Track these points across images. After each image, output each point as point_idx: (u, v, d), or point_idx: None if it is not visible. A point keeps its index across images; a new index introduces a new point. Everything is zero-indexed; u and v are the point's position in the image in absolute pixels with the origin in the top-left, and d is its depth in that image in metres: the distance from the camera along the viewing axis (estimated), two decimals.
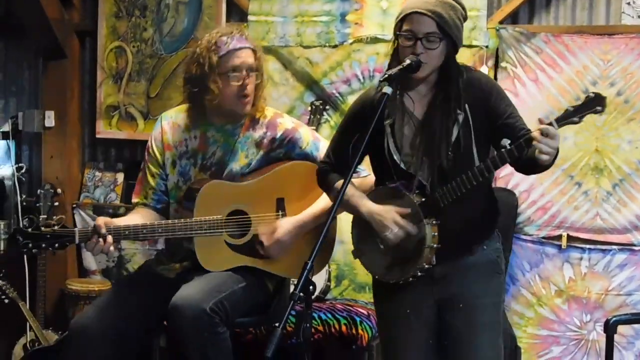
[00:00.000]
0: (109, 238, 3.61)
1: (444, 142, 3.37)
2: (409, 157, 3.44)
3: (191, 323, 3.52)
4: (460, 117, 3.38)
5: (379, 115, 3.24)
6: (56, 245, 3.62)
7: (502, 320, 3.62)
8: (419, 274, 3.42)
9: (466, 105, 3.39)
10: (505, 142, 3.20)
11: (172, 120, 3.98)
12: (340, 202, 3.17)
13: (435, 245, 3.37)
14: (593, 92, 3.12)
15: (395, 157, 3.44)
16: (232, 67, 3.76)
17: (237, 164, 3.89)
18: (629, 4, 5.14)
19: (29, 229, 3.59)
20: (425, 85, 3.48)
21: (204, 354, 3.56)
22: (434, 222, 3.37)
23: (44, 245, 3.61)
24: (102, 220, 3.64)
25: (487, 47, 5.27)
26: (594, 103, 3.11)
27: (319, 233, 3.01)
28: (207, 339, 3.56)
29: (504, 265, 3.63)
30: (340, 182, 3.41)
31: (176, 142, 3.93)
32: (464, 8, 3.47)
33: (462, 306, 3.47)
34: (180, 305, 3.54)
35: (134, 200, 4.01)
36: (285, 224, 3.85)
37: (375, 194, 3.53)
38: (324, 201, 3.88)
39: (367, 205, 3.47)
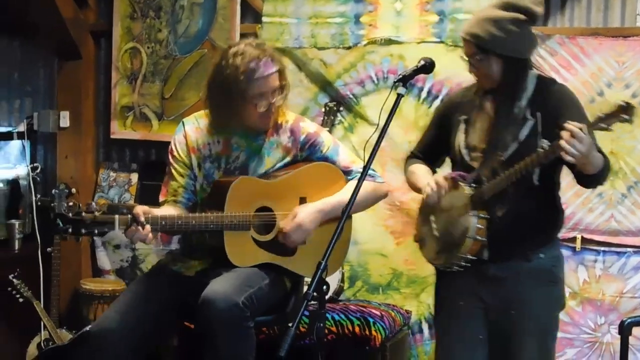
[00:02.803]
0: (148, 226, 3.60)
1: (508, 142, 3.48)
2: (477, 152, 3.57)
3: (224, 316, 3.51)
4: (530, 123, 3.47)
5: (391, 114, 3.29)
6: (95, 231, 3.56)
7: (555, 327, 3.69)
8: (463, 263, 3.54)
9: (538, 114, 3.46)
10: (545, 143, 3.30)
11: (194, 125, 3.98)
12: (352, 205, 3.22)
13: (480, 238, 3.49)
14: (625, 102, 3.13)
15: (463, 151, 3.61)
16: (258, 94, 3.76)
17: (262, 168, 3.91)
18: None
19: (70, 214, 3.55)
20: (498, 91, 3.58)
21: (235, 347, 3.56)
22: (481, 215, 3.49)
23: (83, 231, 3.52)
24: (140, 209, 3.62)
25: None
26: (622, 112, 3.13)
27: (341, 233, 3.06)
28: (239, 332, 3.56)
29: (562, 273, 3.70)
30: (415, 164, 3.89)
31: (200, 146, 3.93)
32: (523, 10, 3.47)
33: (514, 312, 3.56)
34: (213, 298, 3.53)
35: (162, 199, 3.98)
36: (304, 209, 3.86)
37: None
38: (345, 192, 3.90)
39: (422, 182, 3.74)
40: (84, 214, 3.52)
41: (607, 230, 5.15)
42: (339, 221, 3.10)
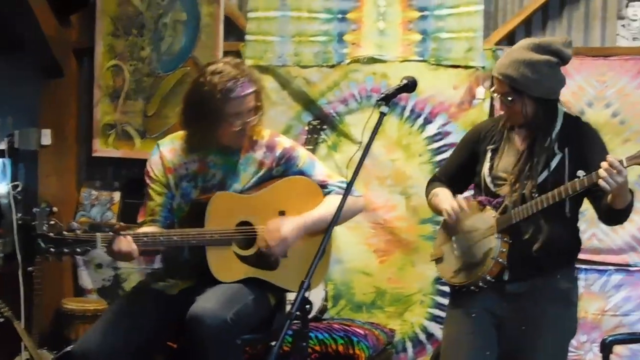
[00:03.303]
0: (129, 238, 3.58)
1: (538, 171, 3.59)
2: (502, 181, 3.68)
3: (213, 333, 3.49)
4: (558, 157, 3.59)
5: (374, 133, 3.30)
6: (78, 250, 3.55)
7: (565, 349, 3.77)
8: (481, 284, 3.64)
9: (565, 149, 3.59)
10: (580, 173, 3.42)
11: (170, 146, 3.98)
12: (335, 223, 3.26)
13: (501, 261, 3.59)
14: None
15: (487, 179, 3.72)
16: (234, 114, 3.77)
17: (239, 185, 3.91)
18: (624, 26, 5.17)
19: (51, 234, 3.53)
20: (529, 127, 3.68)
21: None
22: (505, 239, 3.60)
23: (66, 250, 3.52)
24: (120, 227, 3.62)
25: (483, 67, 5.31)
26: None
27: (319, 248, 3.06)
28: (227, 349, 3.55)
29: (577, 297, 3.78)
30: (437, 188, 3.95)
31: (176, 165, 3.92)
32: (555, 53, 3.59)
33: (526, 329, 3.62)
34: (202, 315, 3.51)
35: (140, 220, 3.98)
36: (287, 222, 3.86)
37: (466, 201, 3.79)
38: (325, 207, 3.90)
39: (444, 203, 3.79)
40: (65, 233, 3.50)
41: (589, 249, 5.15)
42: (322, 240, 3.11)
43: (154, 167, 3.96)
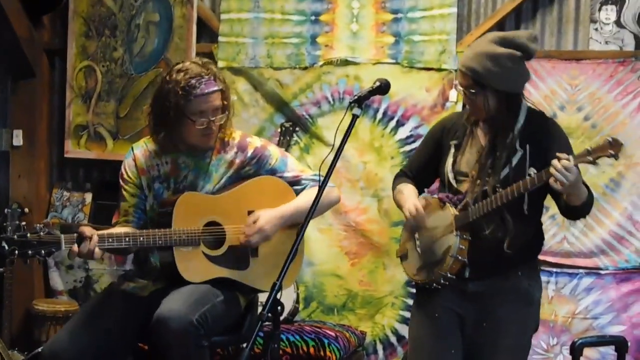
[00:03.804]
0: (95, 237, 3.57)
1: (499, 169, 3.58)
2: (463, 177, 3.68)
3: (178, 335, 3.49)
4: (519, 154, 3.59)
5: (346, 135, 3.30)
6: (42, 252, 3.54)
7: (527, 347, 3.78)
8: (442, 281, 3.65)
9: (527, 145, 3.58)
10: (532, 171, 3.46)
11: (143, 148, 3.97)
12: (313, 213, 3.26)
13: (461, 258, 3.60)
14: (612, 137, 3.28)
15: (449, 175, 3.72)
16: (198, 112, 3.76)
17: (210, 185, 3.91)
18: (596, 29, 5.20)
19: (15, 236, 3.51)
20: (491, 122, 3.67)
21: None
22: (465, 236, 3.60)
23: (30, 252, 3.51)
24: (85, 228, 3.61)
25: (456, 70, 5.31)
26: (609, 147, 3.27)
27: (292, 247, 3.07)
28: (192, 351, 3.54)
29: (539, 295, 3.78)
30: (403, 184, 3.93)
31: (149, 167, 3.92)
32: (519, 47, 3.56)
33: (486, 326, 3.65)
34: (167, 317, 3.50)
35: (114, 221, 3.97)
36: (265, 214, 3.87)
37: (426, 200, 3.83)
38: (301, 199, 3.93)
39: (407, 202, 3.77)
40: (29, 235, 3.50)
41: (559, 252, 5.19)
42: (295, 238, 3.11)
43: (128, 170, 3.96)
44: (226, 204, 3.89)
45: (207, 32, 5.82)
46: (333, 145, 3.30)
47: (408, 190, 3.89)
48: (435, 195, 3.80)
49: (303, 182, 4.00)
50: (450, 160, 3.74)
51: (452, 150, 3.75)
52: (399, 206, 3.89)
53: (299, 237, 3.13)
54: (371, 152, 5.43)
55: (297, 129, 5.55)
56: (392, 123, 5.42)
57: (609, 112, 5.14)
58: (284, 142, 5.33)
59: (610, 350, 4.92)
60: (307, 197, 3.89)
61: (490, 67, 3.52)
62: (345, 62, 5.53)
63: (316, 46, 5.58)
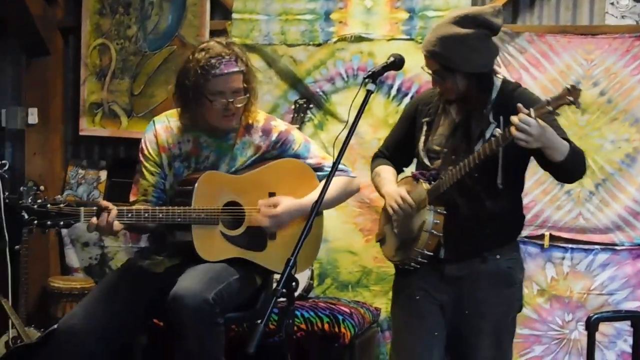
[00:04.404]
0: (114, 211, 3.57)
1: (473, 143, 3.50)
2: (436, 154, 3.62)
3: (193, 312, 3.49)
4: (492, 127, 3.49)
5: (360, 111, 3.28)
6: (61, 223, 3.55)
7: (511, 328, 3.70)
8: (420, 259, 3.58)
9: (501, 117, 3.48)
10: (496, 131, 3.37)
11: (165, 123, 3.96)
12: (321, 202, 3.19)
13: (436, 233, 3.53)
14: (570, 84, 3.17)
15: (421, 153, 3.66)
16: (217, 92, 3.74)
17: (233, 168, 3.89)
18: (612, 4, 5.16)
19: (35, 206, 3.53)
20: (463, 101, 3.59)
21: (203, 344, 3.54)
22: (439, 210, 3.54)
23: (49, 222, 3.51)
24: (104, 202, 3.62)
25: None
26: (568, 94, 3.16)
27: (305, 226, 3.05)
28: (208, 329, 3.55)
29: (521, 275, 3.72)
30: (381, 166, 3.90)
31: (170, 144, 3.91)
32: (483, 24, 3.47)
33: (468, 313, 3.59)
34: (183, 295, 3.51)
35: (132, 199, 3.96)
36: (286, 202, 3.86)
37: (401, 182, 3.81)
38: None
39: (387, 186, 3.77)
40: (49, 205, 3.50)
41: (574, 228, 5.18)
42: (308, 217, 3.09)
43: (149, 145, 3.94)
44: (247, 184, 3.88)
45: (221, 9, 5.80)
46: (347, 122, 3.29)
47: (386, 173, 3.86)
48: (412, 173, 3.72)
49: (325, 169, 3.97)
50: (422, 138, 3.68)
51: (425, 128, 3.69)
52: (378, 189, 3.86)
53: (309, 221, 3.10)
54: (385, 129, 5.41)
55: (311, 105, 5.53)
56: (407, 99, 5.39)
57: (625, 87, 5.10)
58: (298, 119, 5.31)
59: (625, 325, 4.93)
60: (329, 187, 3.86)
61: (456, 51, 3.44)
62: (359, 39, 5.51)
63: (330, 22, 5.56)
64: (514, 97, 3.52)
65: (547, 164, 3.44)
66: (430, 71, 3.57)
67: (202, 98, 3.74)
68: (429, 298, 3.65)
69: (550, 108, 3.20)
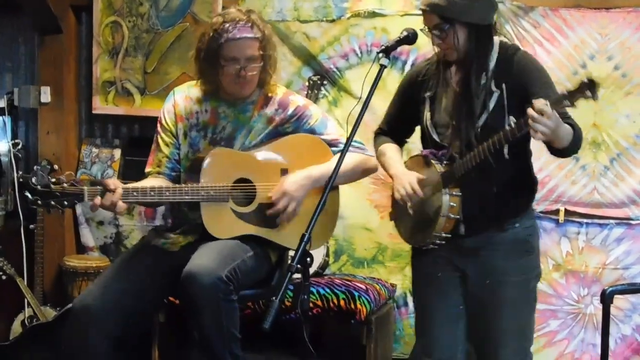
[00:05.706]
0: (119, 190, 3.58)
1: (477, 113, 3.46)
2: (444, 128, 3.56)
3: (207, 290, 3.50)
4: (496, 95, 3.45)
5: (373, 86, 3.28)
6: (65, 203, 3.55)
7: (532, 297, 3.68)
8: (438, 242, 3.56)
9: (503, 85, 3.44)
10: (511, 120, 3.32)
11: (185, 93, 3.97)
12: (336, 175, 3.23)
13: (453, 216, 3.50)
14: (588, 78, 3.09)
15: (430, 129, 3.60)
16: (230, 57, 3.73)
17: (247, 140, 3.89)
18: None
19: (38, 186, 3.54)
20: (463, 62, 3.53)
21: (219, 321, 3.55)
22: (454, 193, 3.50)
23: (52, 202, 3.53)
24: (109, 180, 3.62)
25: None
26: (586, 88, 3.09)
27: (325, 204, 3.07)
28: (222, 306, 3.55)
29: (538, 242, 3.70)
30: (385, 144, 3.84)
31: (188, 114, 3.92)
32: None
33: (489, 282, 3.57)
34: (197, 272, 3.52)
35: (147, 170, 3.97)
36: (290, 176, 3.87)
37: (411, 161, 3.74)
38: (332, 162, 3.87)
39: (395, 168, 3.69)
40: (52, 185, 3.52)
41: (590, 203, 5.16)
42: (322, 192, 3.09)
43: (167, 115, 3.95)
44: (259, 161, 3.87)
45: None
46: (360, 97, 3.28)
47: (391, 151, 3.81)
48: (422, 152, 3.68)
49: (341, 145, 3.94)
50: (428, 113, 3.63)
51: (428, 103, 3.63)
52: (385, 169, 3.81)
53: (323, 196, 3.10)
54: None
55: (325, 82, 5.51)
56: None
57: None
58: (312, 95, 5.30)
59: None
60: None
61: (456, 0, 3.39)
62: (373, 14, 5.48)
63: None
64: (514, 62, 3.49)
65: (546, 144, 3.40)
66: (429, 29, 3.48)
67: (216, 62, 3.74)
68: (450, 272, 3.64)
69: (568, 103, 3.13)
